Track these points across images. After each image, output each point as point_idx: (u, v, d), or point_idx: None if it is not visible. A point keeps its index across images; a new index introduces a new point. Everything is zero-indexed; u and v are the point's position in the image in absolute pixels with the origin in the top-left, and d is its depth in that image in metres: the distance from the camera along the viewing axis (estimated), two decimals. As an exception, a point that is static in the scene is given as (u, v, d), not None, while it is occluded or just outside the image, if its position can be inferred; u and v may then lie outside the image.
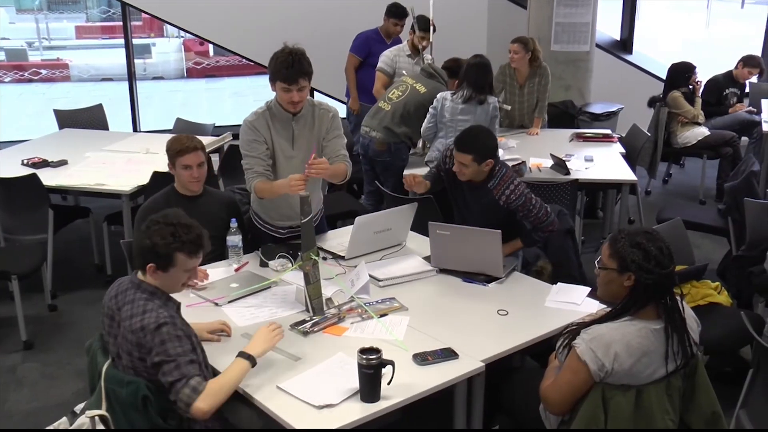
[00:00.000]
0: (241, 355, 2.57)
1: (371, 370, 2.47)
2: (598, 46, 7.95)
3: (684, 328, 2.48)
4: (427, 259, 3.67)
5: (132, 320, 2.48)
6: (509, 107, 6.17)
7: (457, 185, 3.85)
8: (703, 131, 6.99)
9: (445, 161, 3.88)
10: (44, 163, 5.32)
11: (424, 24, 6.05)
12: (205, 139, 5.91)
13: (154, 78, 16.55)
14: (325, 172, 3.49)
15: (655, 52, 11.39)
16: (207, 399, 2.41)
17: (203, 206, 3.75)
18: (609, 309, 2.57)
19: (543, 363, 3.28)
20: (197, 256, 2.59)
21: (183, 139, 3.79)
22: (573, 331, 2.54)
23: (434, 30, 6.10)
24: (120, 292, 2.60)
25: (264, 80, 6.18)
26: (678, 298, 2.51)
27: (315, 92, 7.11)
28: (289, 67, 3.43)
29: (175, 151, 3.71)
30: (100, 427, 2.50)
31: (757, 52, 8.55)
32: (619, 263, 2.47)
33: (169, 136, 6.26)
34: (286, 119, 3.63)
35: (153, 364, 2.44)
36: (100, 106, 7.10)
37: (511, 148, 5.61)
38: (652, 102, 7.25)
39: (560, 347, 2.57)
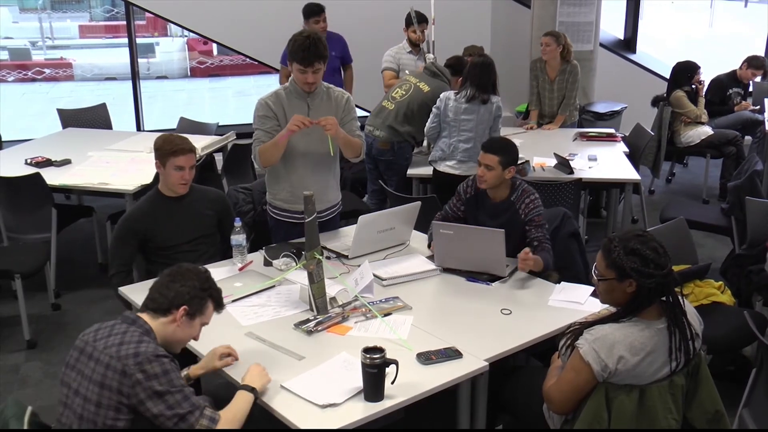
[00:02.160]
0: (244, 388, 2.49)
1: (375, 370, 2.47)
2: (601, 45, 7.95)
3: (685, 323, 2.48)
4: (430, 258, 3.67)
5: (121, 347, 2.27)
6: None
7: (478, 211, 3.82)
8: (707, 130, 6.99)
9: (467, 191, 3.86)
10: (48, 163, 5.33)
11: (421, 17, 6.05)
12: (209, 139, 5.94)
13: (158, 77, 16.56)
14: (336, 127, 3.61)
15: (658, 52, 11.38)
16: (226, 425, 2.36)
17: (189, 206, 3.75)
18: (612, 309, 2.56)
19: (546, 362, 3.29)
20: (219, 311, 2.59)
21: (177, 139, 3.70)
22: (576, 330, 2.54)
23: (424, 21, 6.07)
24: (103, 327, 2.40)
25: (267, 80, 6.20)
26: (678, 294, 2.51)
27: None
28: (306, 50, 3.61)
29: (168, 151, 3.61)
30: None
31: (760, 51, 8.55)
32: (617, 272, 2.46)
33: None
34: (301, 95, 3.77)
35: (154, 394, 2.24)
36: (103, 106, 7.11)
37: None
38: (655, 101, 7.25)
39: (563, 347, 2.57)
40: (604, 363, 2.41)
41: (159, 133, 6.76)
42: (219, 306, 2.58)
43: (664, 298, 2.47)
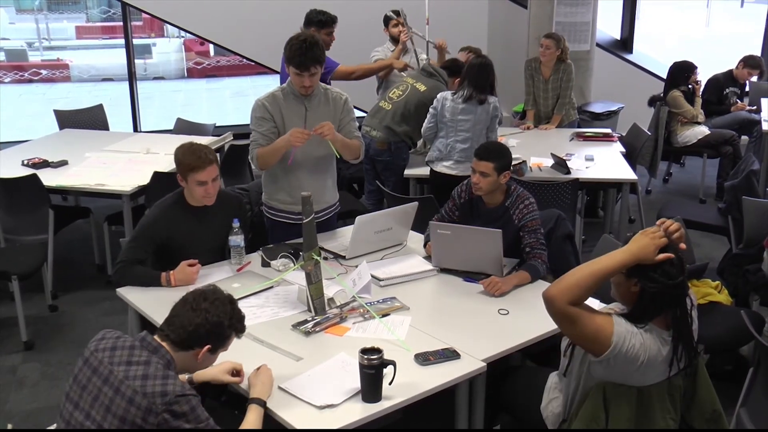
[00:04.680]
0: (254, 401, 2.48)
1: (372, 370, 2.48)
2: (598, 45, 7.96)
3: (691, 338, 2.46)
4: (427, 258, 3.67)
5: (146, 381, 2.19)
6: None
7: (472, 217, 3.78)
8: (703, 130, 7.00)
9: (461, 195, 3.82)
10: (45, 164, 5.32)
11: (396, 12, 6.05)
12: (206, 140, 5.92)
13: (155, 78, 16.55)
14: (333, 132, 3.61)
15: (655, 51, 11.40)
16: None
17: (213, 217, 3.59)
18: (616, 308, 2.54)
19: (541, 363, 3.29)
20: (239, 337, 2.50)
21: (197, 151, 3.43)
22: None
23: (405, 19, 6.04)
24: (121, 347, 2.29)
25: (265, 80, 6.20)
26: (689, 302, 2.48)
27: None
28: (303, 55, 3.58)
29: (188, 167, 3.40)
30: None
31: (757, 50, 8.56)
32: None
33: (169, 137, 6.35)
34: (299, 97, 3.76)
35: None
36: (100, 107, 7.11)
37: (512, 148, 5.61)
38: (652, 101, 7.26)
39: (567, 347, 2.55)
40: (623, 337, 2.33)
41: (156, 134, 6.82)
42: (240, 332, 2.47)
43: (672, 309, 2.42)
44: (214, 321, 2.34)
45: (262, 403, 2.48)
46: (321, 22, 5.62)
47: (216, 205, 3.59)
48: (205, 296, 2.38)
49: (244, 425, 2.42)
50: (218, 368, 2.67)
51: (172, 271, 3.35)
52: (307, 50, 3.57)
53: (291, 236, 3.84)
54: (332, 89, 3.90)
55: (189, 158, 3.41)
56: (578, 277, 2.37)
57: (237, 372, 2.67)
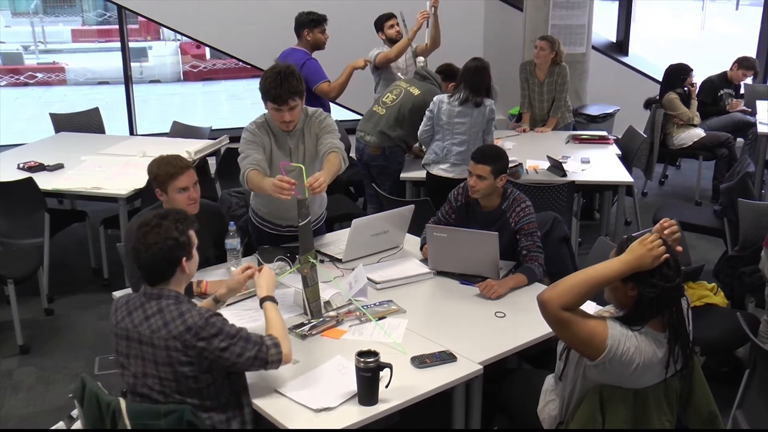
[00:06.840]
0: (265, 299, 2.71)
1: (369, 374, 2.48)
2: (594, 47, 7.97)
3: (687, 340, 2.46)
4: (424, 261, 3.67)
5: (168, 327, 2.41)
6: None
7: (469, 220, 3.77)
8: (699, 132, 7.02)
9: (458, 198, 3.82)
10: (40, 167, 5.31)
11: (390, 14, 6.05)
12: (202, 143, 5.93)
13: (151, 81, 16.54)
14: (325, 184, 3.31)
15: (651, 54, 11.42)
16: (285, 344, 2.54)
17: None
18: (612, 310, 2.54)
19: (538, 366, 3.30)
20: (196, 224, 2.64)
21: (171, 160, 3.40)
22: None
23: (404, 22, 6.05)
24: (134, 308, 2.50)
25: (260, 83, 6.19)
26: (684, 306, 2.49)
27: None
28: (278, 87, 3.36)
29: (166, 175, 3.34)
30: None
31: (751, 52, 8.59)
32: None
33: (165, 140, 6.34)
34: (282, 135, 3.63)
35: (221, 350, 2.39)
36: (96, 110, 7.09)
37: (508, 151, 5.61)
38: (648, 104, 7.27)
39: (563, 351, 2.55)
40: (617, 341, 2.34)
41: (152, 138, 6.81)
42: (194, 222, 2.61)
43: (667, 312, 2.42)
44: (169, 242, 2.47)
45: (274, 299, 2.73)
46: (314, 21, 5.63)
47: (198, 216, 3.53)
48: (143, 232, 2.48)
49: (270, 323, 2.63)
50: (231, 279, 2.92)
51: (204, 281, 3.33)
52: (283, 81, 3.35)
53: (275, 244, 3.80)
54: (314, 114, 3.68)
55: (165, 168, 3.37)
56: (573, 283, 2.37)
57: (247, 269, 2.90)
